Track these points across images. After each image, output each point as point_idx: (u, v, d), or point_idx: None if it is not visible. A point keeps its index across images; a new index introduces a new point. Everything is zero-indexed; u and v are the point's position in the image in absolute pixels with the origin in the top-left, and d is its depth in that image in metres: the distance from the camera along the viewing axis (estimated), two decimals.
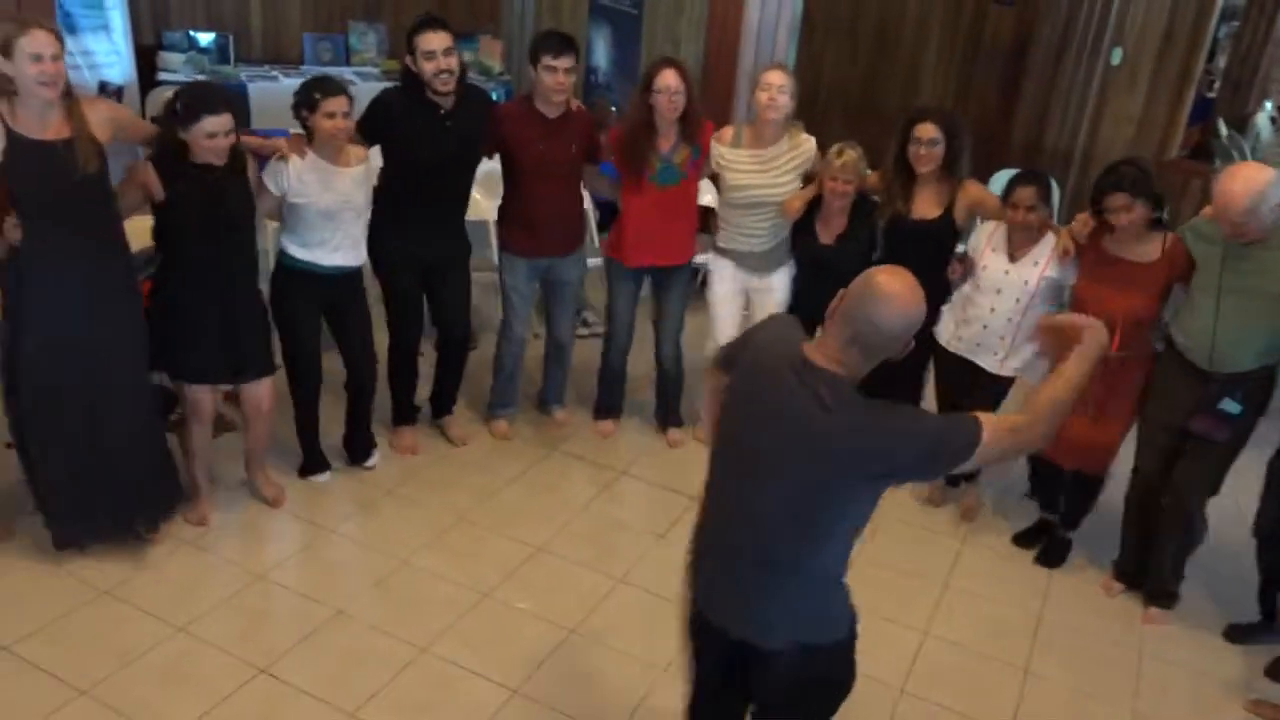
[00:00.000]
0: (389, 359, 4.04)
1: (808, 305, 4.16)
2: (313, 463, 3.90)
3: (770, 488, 1.95)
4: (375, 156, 3.71)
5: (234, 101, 3.19)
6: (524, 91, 3.99)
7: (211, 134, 3.06)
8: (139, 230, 3.24)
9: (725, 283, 4.16)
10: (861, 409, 1.88)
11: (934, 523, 3.98)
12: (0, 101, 2.88)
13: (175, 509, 3.53)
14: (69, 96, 2.94)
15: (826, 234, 3.93)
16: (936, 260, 3.78)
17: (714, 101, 5.40)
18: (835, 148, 3.81)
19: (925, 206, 3.78)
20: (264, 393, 3.54)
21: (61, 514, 3.27)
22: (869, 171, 3.87)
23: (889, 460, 1.87)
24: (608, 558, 3.58)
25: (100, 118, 3.04)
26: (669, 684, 3.00)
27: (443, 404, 4.31)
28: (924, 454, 1.89)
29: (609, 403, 4.46)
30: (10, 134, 2.87)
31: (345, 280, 3.63)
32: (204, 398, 3.42)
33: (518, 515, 3.79)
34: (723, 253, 4.13)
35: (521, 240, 4.01)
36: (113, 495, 3.28)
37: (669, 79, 3.74)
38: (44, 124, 2.91)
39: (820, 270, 3.96)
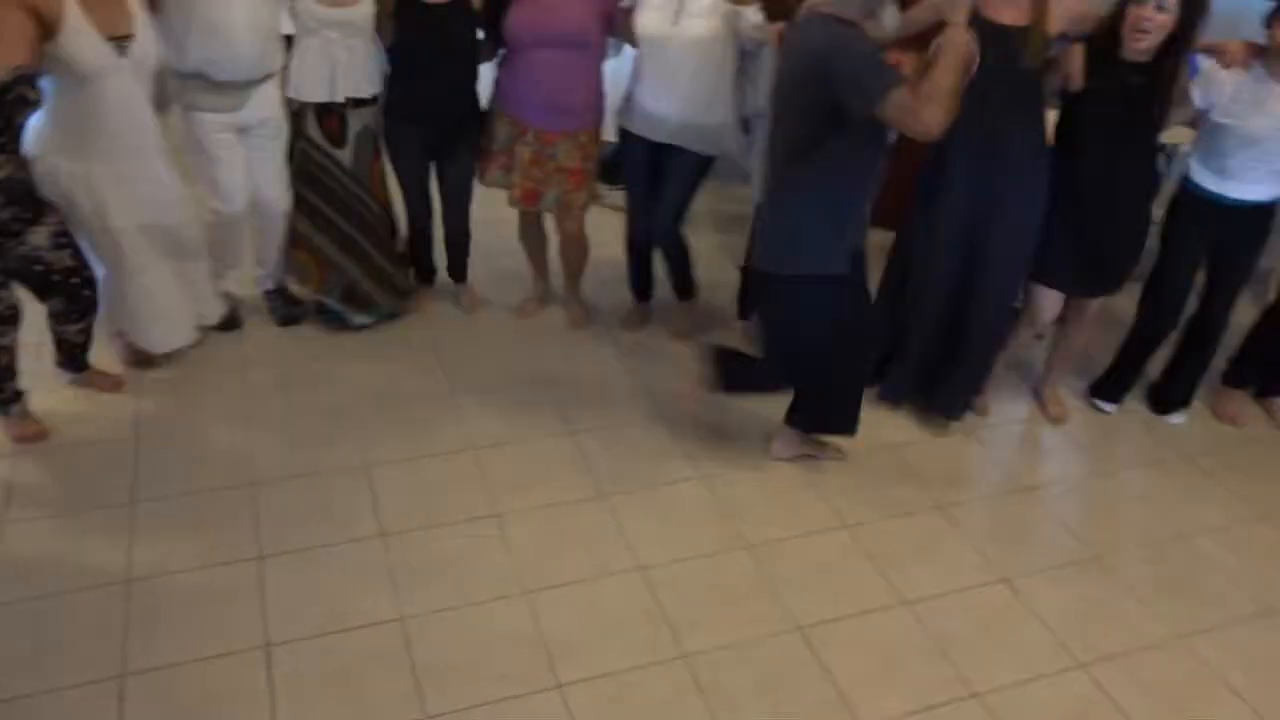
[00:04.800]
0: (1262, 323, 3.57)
1: None
2: (1108, 390, 3.66)
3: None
4: None
5: None
6: None
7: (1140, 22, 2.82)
8: None
9: None
10: None
11: None
12: None
13: (973, 403, 3.57)
14: None
15: None
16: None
17: None
18: None
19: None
20: (1093, 305, 3.36)
21: (897, 376, 3.48)
22: None
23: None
24: None
25: (1061, 9, 2.92)
26: None
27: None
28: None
29: None
30: (978, 16, 2.91)
31: (1249, 216, 3.20)
32: (1046, 302, 3.35)
33: None
34: None
35: None
36: (945, 371, 3.41)
37: None
38: (1007, 9, 2.92)
39: None
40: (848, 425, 3.15)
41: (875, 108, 2.44)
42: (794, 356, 2.99)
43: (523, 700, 2.38)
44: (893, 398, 3.53)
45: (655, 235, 3.73)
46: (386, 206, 3.71)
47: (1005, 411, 3.63)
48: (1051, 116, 3.14)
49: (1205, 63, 3.07)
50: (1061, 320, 3.49)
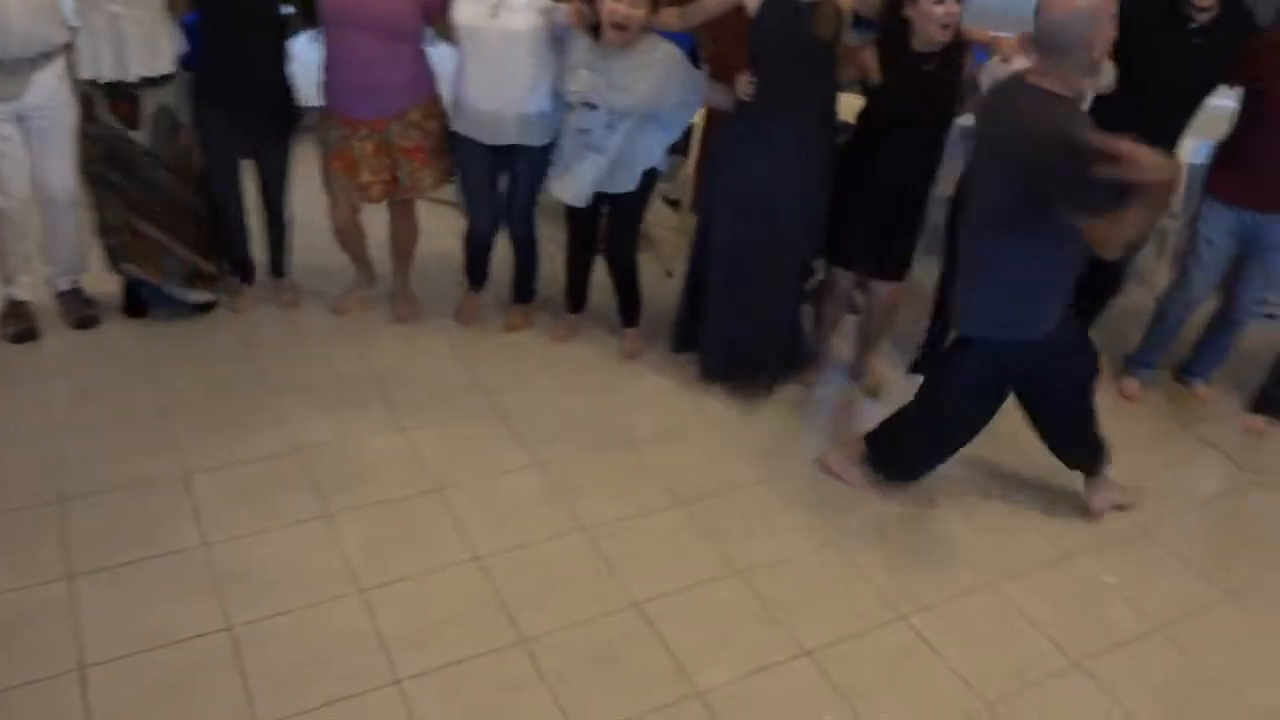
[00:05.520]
0: None
1: None
2: (923, 365, 3.82)
3: None
4: None
5: None
6: None
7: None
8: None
9: None
10: None
11: None
12: None
13: (795, 371, 3.71)
14: None
15: None
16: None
17: None
18: None
19: None
20: (890, 290, 3.53)
21: (709, 352, 3.58)
22: None
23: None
24: (1222, 570, 3.07)
25: None
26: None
27: None
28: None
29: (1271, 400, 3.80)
30: None
31: None
32: (842, 279, 3.51)
33: (1128, 483, 3.40)
34: None
35: (1234, 186, 3.47)
36: (752, 346, 3.50)
37: None
38: None
39: None
40: (915, 474, 3.19)
41: (1075, 219, 2.44)
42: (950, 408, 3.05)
43: (360, 699, 2.33)
44: (719, 376, 3.62)
45: (514, 235, 3.75)
46: (200, 189, 3.57)
47: (824, 383, 3.79)
48: (855, 102, 3.30)
49: (991, 57, 3.25)
50: (866, 296, 3.67)
